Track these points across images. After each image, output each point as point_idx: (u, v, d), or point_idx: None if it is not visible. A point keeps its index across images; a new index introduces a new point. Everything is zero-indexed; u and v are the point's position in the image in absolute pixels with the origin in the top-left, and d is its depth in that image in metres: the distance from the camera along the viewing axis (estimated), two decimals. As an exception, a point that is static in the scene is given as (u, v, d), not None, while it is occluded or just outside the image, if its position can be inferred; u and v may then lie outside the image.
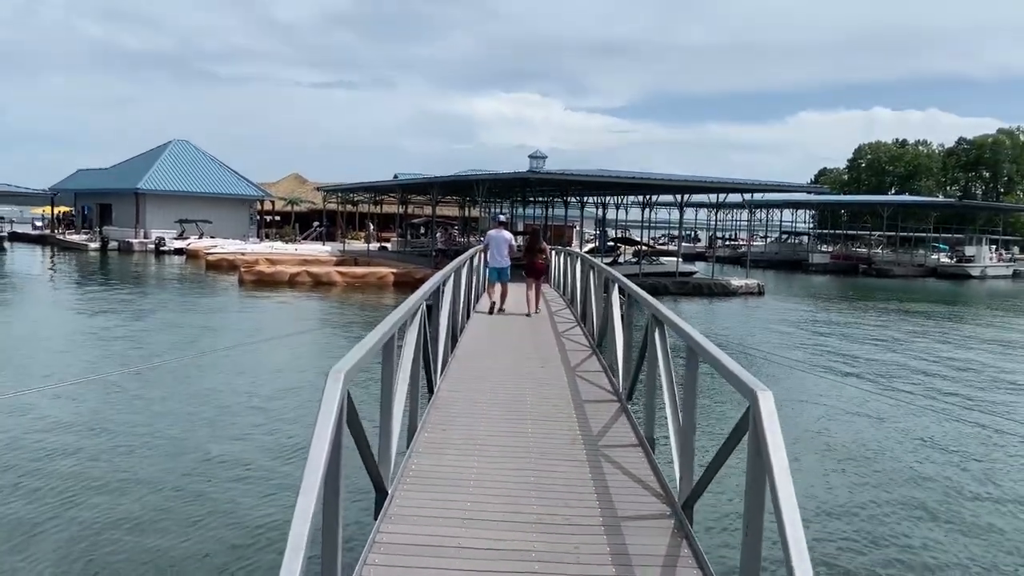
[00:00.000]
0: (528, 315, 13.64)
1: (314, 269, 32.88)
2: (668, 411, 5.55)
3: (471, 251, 14.07)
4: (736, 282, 35.21)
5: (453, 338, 10.57)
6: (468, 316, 12.67)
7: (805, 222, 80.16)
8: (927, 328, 26.60)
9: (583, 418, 6.96)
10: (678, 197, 38.73)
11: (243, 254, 38.67)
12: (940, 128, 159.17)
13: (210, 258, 39.17)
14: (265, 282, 30.99)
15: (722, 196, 37.53)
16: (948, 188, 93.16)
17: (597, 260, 13.44)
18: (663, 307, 6.15)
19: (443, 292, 8.56)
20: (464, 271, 11.51)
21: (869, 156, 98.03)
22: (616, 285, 9.09)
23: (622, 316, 8.55)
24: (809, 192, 50.45)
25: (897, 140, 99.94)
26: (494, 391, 7.84)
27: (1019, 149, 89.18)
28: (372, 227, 52.15)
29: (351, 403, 3.67)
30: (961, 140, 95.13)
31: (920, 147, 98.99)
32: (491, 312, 13.69)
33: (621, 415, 7.15)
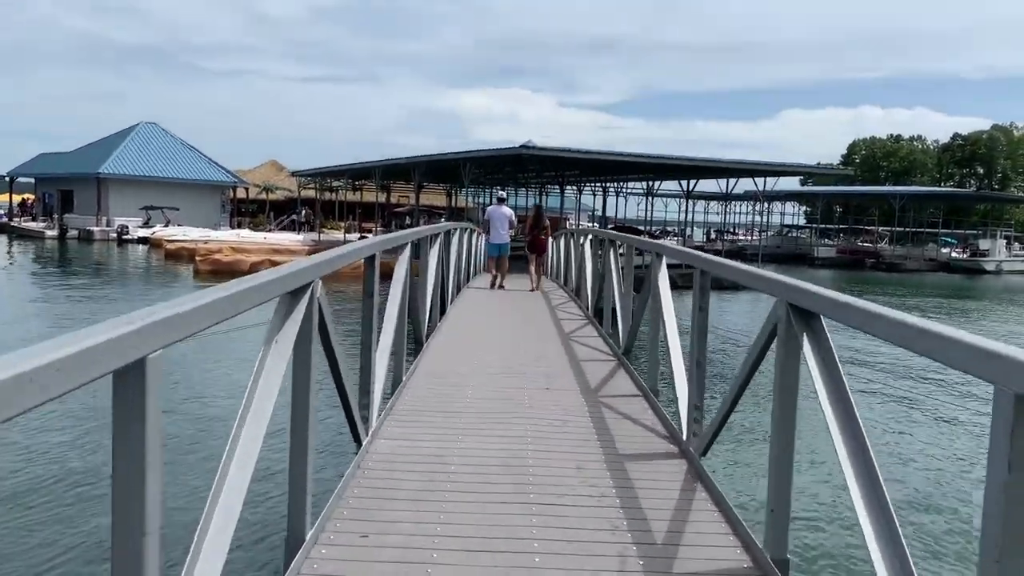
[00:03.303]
0: (532, 290, 13.76)
1: (280, 259, 29.41)
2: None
3: (448, 224, 10.68)
4: (748, 275, 32.04)
5: (417, 341, 7.34)
6: (443, 311, 9.38)
7: (798, 215, 77.44)
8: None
9: (627, 492, 3.71)
10: (683, 184, 35.54)
11: (205, 242, 35.13)
12: (929, 126, 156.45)
13: (169, 247, 35.57)
14: (223, 272, 27.47)
15: (732, 182, 34.28)
16: (943, 184, 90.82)
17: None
18: (820, 287, 2.92)
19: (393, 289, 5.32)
20: (435, 248, 8.19)
21: (863, 152, 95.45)
22: (663, 261, 5.81)
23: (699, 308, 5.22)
24: (816, 173, 47.17)
25: (891, 136, 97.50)
26: (462, 444, 4.54)
27: (1013, 145, 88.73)
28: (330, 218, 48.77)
29: None
30: (956, 136, 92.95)
31: (915, 143, 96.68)
32: (492, 287, 13.81)
33: (693, 483, 3.91)
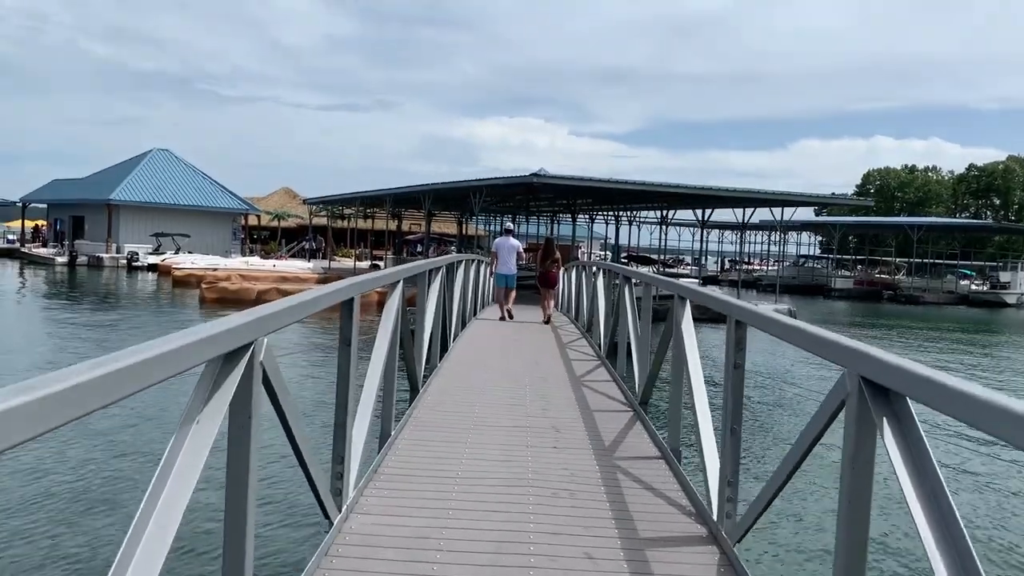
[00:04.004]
0: (544, 323, 13.58)
1: (288, 287, 28.89)
2: None
3: (452, 256, 10.10)
4: (765, 306, 31.23)
5: (413, 388, 6.69)
6: (447, 348, 8.73)
7: (813, 245, 76.59)
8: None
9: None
10: (698, 213, 34.89)
11: (214, 270, 34.74)
12: (943, 157, 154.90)
13: (177, 273, 35.23)
14: (229, 300, 27.02)
15: (748, 212, 33.59)
16: (958, 215, 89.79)
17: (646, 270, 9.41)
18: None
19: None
20: (435, 284, 7.57)
21: (878, 182, 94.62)
22: (688, 304, 5.16)
23: (735, 365, 4.41)
24: (834, 203, 46.40)
25: (906, 166, 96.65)
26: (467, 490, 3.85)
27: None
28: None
29: None
30: (972, 167, 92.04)
31: (930, 173, 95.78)
32: (501, 319, 13.54)
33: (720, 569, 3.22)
